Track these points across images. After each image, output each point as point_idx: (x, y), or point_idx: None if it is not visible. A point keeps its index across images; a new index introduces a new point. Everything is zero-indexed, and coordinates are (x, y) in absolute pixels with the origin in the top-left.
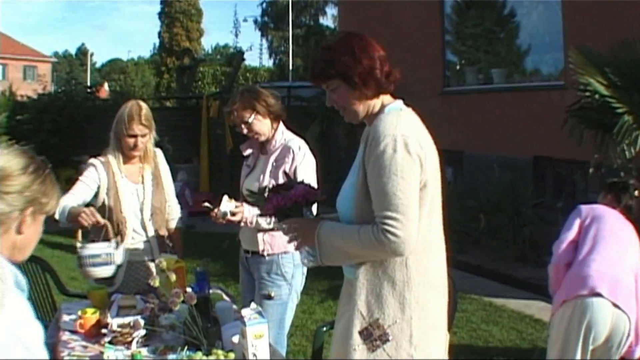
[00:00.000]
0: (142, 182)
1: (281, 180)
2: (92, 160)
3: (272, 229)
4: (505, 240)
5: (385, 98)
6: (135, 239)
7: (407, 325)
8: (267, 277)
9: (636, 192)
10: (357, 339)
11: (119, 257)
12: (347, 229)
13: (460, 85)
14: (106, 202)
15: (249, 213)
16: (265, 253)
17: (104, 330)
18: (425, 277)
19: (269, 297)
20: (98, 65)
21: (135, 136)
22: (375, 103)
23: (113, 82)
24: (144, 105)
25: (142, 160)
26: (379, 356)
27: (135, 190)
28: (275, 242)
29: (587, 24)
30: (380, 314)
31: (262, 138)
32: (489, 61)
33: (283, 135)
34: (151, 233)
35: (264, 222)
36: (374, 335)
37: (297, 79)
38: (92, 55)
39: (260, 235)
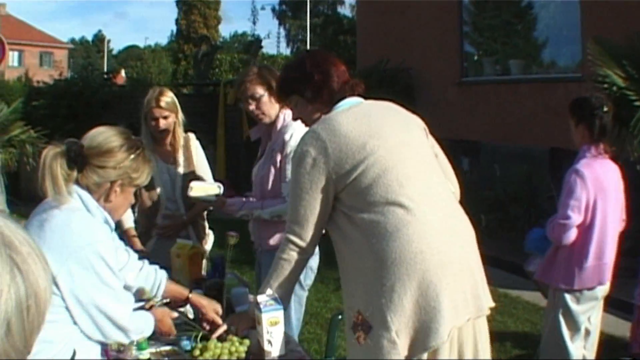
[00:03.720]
0: (175, 163)
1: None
2: None
3: (266, 221)
4: (522, 232)
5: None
6: (167, 218)
7: (379, 311)
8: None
9: (605, 109)
10: (350, 334)
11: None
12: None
13: (477, 76)
14: None
15: (238, 203)
16: (264, 247)
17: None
18: (386, 261)
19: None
20: (115, 52)
21: (155, 119)
22: (328, 109)
23: (130, 69)
24: (165, 90)
25: (173, 143)
26: (367, 347)
27: (167, 169)
28: (265, 236)
29: (605, 16)
30: (359, 305)
31: (266, 120)
32: (506, 53)
33: (283, 122)
34: (183, 210)
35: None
36: (360, 327)
37: None
38: (109, 42)
39: (258, 229)
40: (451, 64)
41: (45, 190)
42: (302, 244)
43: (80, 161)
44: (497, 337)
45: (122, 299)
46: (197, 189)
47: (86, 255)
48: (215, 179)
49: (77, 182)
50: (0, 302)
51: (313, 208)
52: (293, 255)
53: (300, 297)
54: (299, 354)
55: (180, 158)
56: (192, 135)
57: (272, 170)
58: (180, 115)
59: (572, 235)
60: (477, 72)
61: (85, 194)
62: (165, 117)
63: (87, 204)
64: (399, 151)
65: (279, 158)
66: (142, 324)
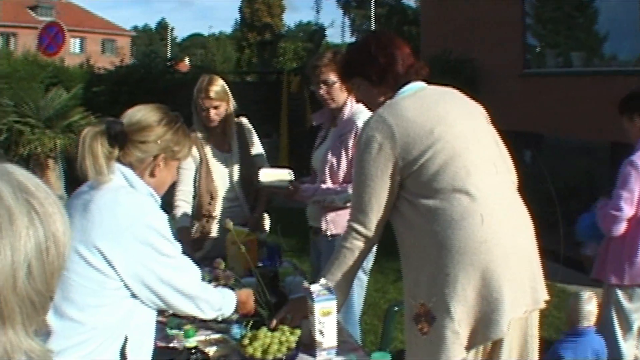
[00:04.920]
0: (230, 151)
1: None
2: None
3: (339, 208)
4: None
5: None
6: (226, 207)
7: (443, 301)
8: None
9: None
10: (412, 325)
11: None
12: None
13: (540, 67)
14: (199, 175)
15: (311, 189)
16: (328, 233)
17: None
18: (451, 249)
19: None
20: (178, 40)
21: (206, 109)
22: (393, 93)
23: (194, 57)
24: (214, 78)
25: (226, 131)
26: (430, 338)
27: (224, 159)
28: (339, 221)
29: None
30: (422, 295)
31: (333, 105)
32: (568, 45)
33: (352, 108)
34: (242, 200)
35: (328, 199)
36: (424, 318)
37: None
38: (172, 30)
39: (323, 215)
40: (514, 55)
41: (85, 169)
42: (366, 232)
43: (122, 138)
44: (554, 332)
45: (184, 267)
46: (267, 175)
47: (139, 229)
48: (284, 166)
49: (119, 161)
50: (20, 244)
51: (378, 195)
52: (356, 244)
53: (362, 281)
54: (351, 345)
55: (235, 145)
56: (244, 120)
57: (344, 155)
58: (232, 102)
59: (622, 227)
60: (540, 63)
61: (127, 171)
62: (216, 107)
63: (130, 180)
64: (465, 138)
65: (351, 143)
66: (219, 300)
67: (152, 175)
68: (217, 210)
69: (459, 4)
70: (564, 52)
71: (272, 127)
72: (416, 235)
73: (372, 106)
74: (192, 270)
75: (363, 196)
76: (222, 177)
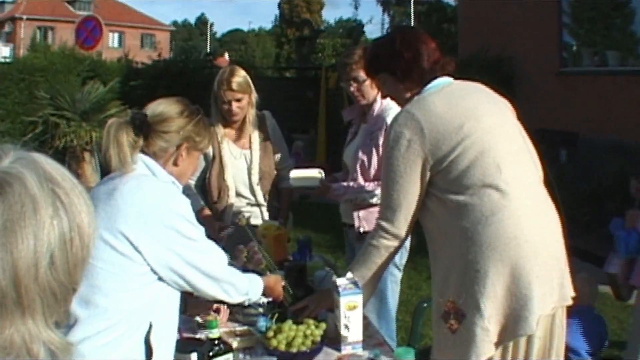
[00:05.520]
0: (250, 147)
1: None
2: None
3: (371, 205)
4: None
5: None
6: (243, 204)
7: (473, 298)
8: None
9: None
10: (441, 324)
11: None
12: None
13: (576, 66)
14: (210, 171)
15: (341, 188)
16: (360, 230)
17: None
18: (481, 245)
19: None
20: (218, 35)
21: (228, 102)
22: (419, 89)
23: (233, 52)
24: (236, 70)
25: (246, 124)
26: (460, 335)
27: (242, 154)
28: (371, 219)
29: None
30: (451, 292)
31: (363, 102)
32: (604, 44)
33: (382, 105)
34: (260, 198)
35: (360, 197)
36: (453, 315)
37: None
38: (212, 25)
39: (355, 212)
40: (550, 53)
41: (109, 158)
42: (395, 230)
43: (146, 128)
44: None
45: (209, 250)
46: (297, 178)
47: (164, 214)
48: (315, 165)
49: (143, 151)
50: (43, 233)
51: (407, 192)
52: (383, 242)
53: (396, 277)
54: (377, 340)
55: (256, 142)
56: (267, 114)
57: (374, 152)
58: (254, 95)
59: None
60: (576, 62)
61: (150, 160)
62: (238, 100)
63: (153, 169)
64: (494, 133)
65: (381, 140)
66: (246, 284)
67: (175, 164)
68: (227, 209)
69: (496, 3)
70: (600, 51)
71: (310, 122)
72: (445, 232)
73: (400, 102)
74: (217, 253)
75: (392, 193)
76: (237, 174)
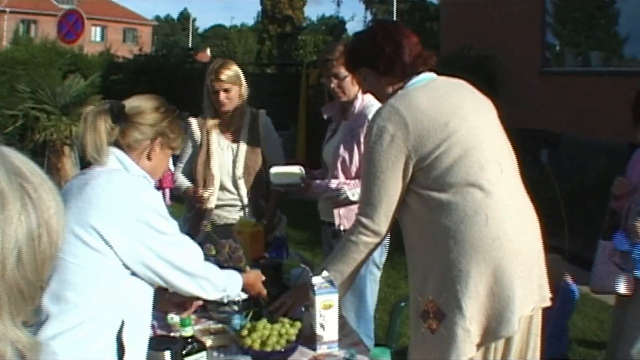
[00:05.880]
0: (237, 142)
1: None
2: (189, 119)
3: (351, 202)
4: (597, 228)
5: (414, 77)
6: (226, 197)
7: (454, 298)
8: None
9: None
10: (419, 322)
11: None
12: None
13: (559, 66)
14: (197, 160)
15: (322, 186)
16: (341, 227)
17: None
18: (464, 245)
19: None
20: (200, 31)
21: (216, 92)
22: (402, 84)
23: (215, 47)
24: (228, 62)
25: (236, 118)
26: (440, 335)
27: (230, 147)
28: (351, 216)
29: None
30: (430, 291)
31: (344, 98)
32: (588, 45)
33: (363, 102)
34: (243, 192)
35: (342, 195)
36: (432, 315)
37: None
38: (194, 20)
39: (335, 210)
40: (533, 53)
41: (85, 144)
42: (375, 227)
43: (123, 118)
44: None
45: (182, 244)
46: (278, 175)
47: (135, 207)
48: (294, 162)
49: (117, 143)
50: (10, 229)
51: (388, 188)
52: (363, 239)
53: (375, 276)
54: (353, 339)
55: (244, 136)
56: (262, 112)
57: (356, 149)
58: (245, 89)
59: None
60: (559, 62)
61: (122, 155)
62: (226, 90)
63: (125, 164)
64: (478, 132)
65: (362, 137)
66: (224, 280)
67: (149, 158)
68: (211, 200)
69: (479, 2)
70: (583, 52)
71: (291, 119)
72: (426, 230)
73: (381, 97)
74: (191, 248)
75: (372, 189)
76: (222, 166)
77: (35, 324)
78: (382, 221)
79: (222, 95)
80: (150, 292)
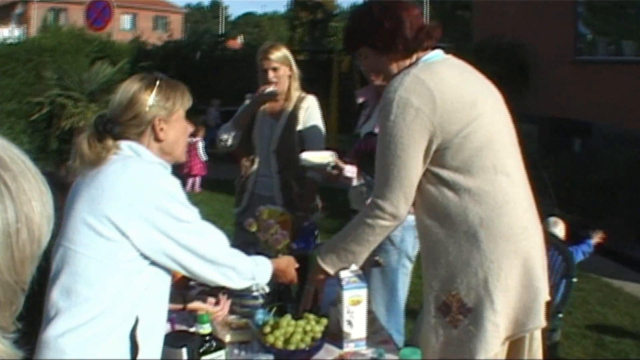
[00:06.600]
0: (279, 118)
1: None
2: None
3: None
4: (628, 219)
5: (423, 53)
6: (263, 170)
7: (485, 290)
8: None
9: None
10: (437, 316)
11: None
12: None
13: (591, 55)
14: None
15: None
16: None
17: (191, 282)
18: (496, 236)
19: (377, 264)
20: (232, 18)
21: (265, 70)
22: (408, 61)
23: (247, 35)
24: (278, 44)
25: (282, 96)
26: (465, 331)
27: (269, 124)
28: None
29: None
30: (452, 283)
31: (377, 82)
32: (619, 34)
33: None
34: (274, 169)
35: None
36: (454, 309)
37: None
38: (226, 8)
39: (365, 199)
40: (565, 42)
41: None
42: (393, 210)
43: (110, 126)
44: (597, 329)
45: (204, 232)
46: (308, 157)
47: (152, 194)
48: (326, 148)
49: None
50: None
51: (409, 167)
52: (380, 222)
53: (407, 269)
54: (382, 337)
55: (285, 116)
56: (310, 97)
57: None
58: (295, 70)
59: None
60: (591, 51)
61: (134, 143)
62: (274, 69)
63: (137, 151)
64: (499, 116)
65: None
66: (251, 268)
67: (157, 140)
68: (256, 166)
69: None
70: (615, 41)
71: (322, 106)
72: (449, 219)
73: (386, 77)
74: (214, 235)
75: (391, 168)
76: (262, 140)
77: (44, 320)
78: (401, 204)
79: (271, 74)
80: (166, 286)
